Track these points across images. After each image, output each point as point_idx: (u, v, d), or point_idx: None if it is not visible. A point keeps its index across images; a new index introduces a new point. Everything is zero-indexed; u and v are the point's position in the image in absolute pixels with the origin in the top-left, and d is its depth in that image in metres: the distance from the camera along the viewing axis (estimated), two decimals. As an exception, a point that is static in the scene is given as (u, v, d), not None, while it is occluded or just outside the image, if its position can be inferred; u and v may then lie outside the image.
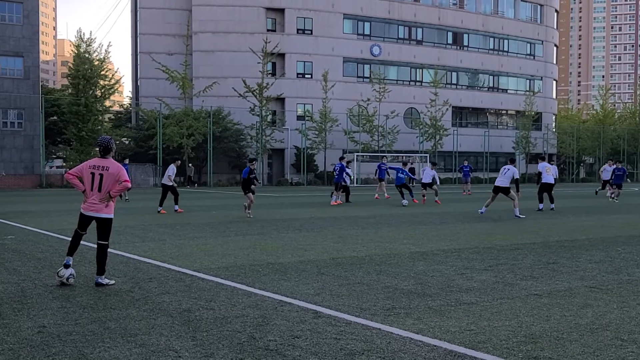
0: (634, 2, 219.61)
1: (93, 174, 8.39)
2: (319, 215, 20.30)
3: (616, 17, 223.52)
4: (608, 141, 72.02)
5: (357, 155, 52.02)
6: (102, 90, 47.48)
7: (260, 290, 8.12)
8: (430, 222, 18.10)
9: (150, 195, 32.98)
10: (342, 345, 5.66)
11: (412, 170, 27.72)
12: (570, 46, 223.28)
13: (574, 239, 13.93)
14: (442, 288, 8.30)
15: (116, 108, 66.70)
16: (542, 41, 71.95)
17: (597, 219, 19.49)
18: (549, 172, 22.93)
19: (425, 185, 27.26)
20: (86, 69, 46.14)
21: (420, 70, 64.13)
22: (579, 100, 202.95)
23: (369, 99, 55.87)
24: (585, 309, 7.10)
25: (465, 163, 37.77)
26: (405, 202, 24.89)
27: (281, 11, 58.26)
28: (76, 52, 47.22)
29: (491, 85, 69.24)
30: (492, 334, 6.06)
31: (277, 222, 17.72)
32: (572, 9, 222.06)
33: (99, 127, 47.21)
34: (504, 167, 20.76)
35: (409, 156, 54.41)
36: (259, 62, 50.58)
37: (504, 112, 71.39)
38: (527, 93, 67.32)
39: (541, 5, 72.06)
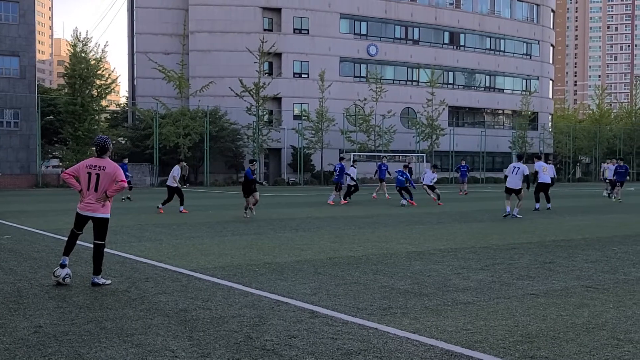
0: (630, 2, 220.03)
1: (90, 174, 8.38)
2: (316, 215, 20.30)
3: (612, 17, 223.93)
4: (604, 141, 72.15)
5: (353, 155, 51.97)
6: (99, 90, 47.39)
7: (256, 290, 8.11)
8: (427, 222, 18.12)
9: (146, 195, 32.95)
10: (339, 345, 5.66)
11: (409, 170, 27.61)
12: (567, 46, 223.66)
13: (570, 238, 13.96)
14: (438, 288, 8.30)
15: (113, 107, 66.67)
16: (539, 41, 72.04)
17: (593, 218, 19.53)
18: (545, 171, 22.94)
19: (427, 187, 26.39)
20: (82, 69, 46.05)
21: (417, 70, 64.15)
22: (575, 100, 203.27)
23: (365, 99, 55.88)
24: (581, 309, 7.12)
25: (463, 163, 37.77)
26: (404, 202, 24.86)
27: (278, 11, 58.23)
28: (72, 51, 47.13)
29: (488, 85, 69.32)
30: (488, 333, 6.07)
31: (274, 221, 17.72)
32: (568, 8, 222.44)
33: (96, 127, 47.12)
34: (514, 165, 19.95)
35: (406, 156, 54.41)
36: (256, 62, 50.55)
37: (500, 111, 71.47)
38: (524, 93, 67.40)
39: (537, 5, 72.16)
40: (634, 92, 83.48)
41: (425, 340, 5.83)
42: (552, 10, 75.83)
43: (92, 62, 46.92)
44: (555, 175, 28.37)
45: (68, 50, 49.14)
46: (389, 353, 5.44)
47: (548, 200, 22.81)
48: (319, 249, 12.05)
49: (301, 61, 58.52)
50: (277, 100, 56.74)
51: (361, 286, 8.39)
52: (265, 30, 57.32)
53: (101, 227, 8.44)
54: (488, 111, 70.02)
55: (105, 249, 8.76)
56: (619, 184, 29.10)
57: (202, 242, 12.94)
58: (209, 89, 50.04)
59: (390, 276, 9.12)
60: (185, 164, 25.16)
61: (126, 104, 64.41)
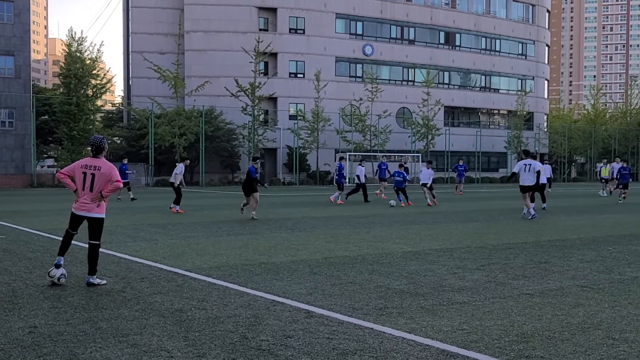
0: (625, 2, 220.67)
1: (85, 174, 8.36)
2: (312, 214, 20.30)
3: (607, 17, 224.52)
4: (599, 141, 72.32)
5: (349, 155, 52.02)
6: (94, 90, 47.28)
7: (252, 290, 8.10)
8: (422, 221, 18.13)
9: (142, 194, 32.90)
10: (335, 345, 5.65)
11: (405, 170, 27.58)
12: (562, 46, 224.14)
13: (566, 238, 13.98)
14: (434, 287, 8.31)
15: (108, 107, 66.38)
16: (534, 41, 72.17)
17: (588, 218, 19.56)
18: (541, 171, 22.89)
19: (425, 186, 25.76)
20: (77, 68, 45.95)
21: (413, 70, 64.22)
22: (570, 100, 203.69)
23: (361, 99, 55.89)
24: (576, 308, 7.13)
25: (460, 162, 37.71)
26: (393, 202, 24.56)
27: (273, 10, 58.22)
28: (67, 51, 47.02)
29: (483, 85, 69.42)
30: (484, 333, 6.08)
31: (270, 221, 17.71)
32: (563, 9, 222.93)
33: (91, 127, 47.01)
34: (525, 162, 19.01)
35: (401, 156, 54.45)
36: (251, 62, 50.51)
37: (495, 111, 71.59)
38: (519, 93, 67.50)
39: (533, 5, 72.29)
40: (629, 92, 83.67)
41: (421, 340, 5.83)
42: (548, 11, 76.00)
43: (87, 62, 46.84)
44: (552, 175, 28.33)
45: (63, 49, 49.02)
46: (384, 353, 5.44)
47: (543, 200, 22.84)
48: (315, 248, 12.04)
49: (297, 61, 58.51)
50: (273, 100, 56.73)
51: (357, 286, 8.38)
52: (260, 30, 57.30)
53: (96, 227, 8.42)
54: (483, 111, 70.13)
55: (101, 249, 8.73)
56: (621, 185, 28.80)
57: (197, 242, 12.92)
58: (204, 89, 49.99)
59: (386, 276, 9.12)
60: (188, 161, 25.11)
61: (121, 103, 64.27)
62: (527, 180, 18.84)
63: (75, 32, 47.70)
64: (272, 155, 57.05)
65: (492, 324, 6.42)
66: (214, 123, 51.58)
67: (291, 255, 11.10)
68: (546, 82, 75.52)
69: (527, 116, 67.54)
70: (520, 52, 71.43)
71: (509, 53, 70.41)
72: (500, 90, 70.29)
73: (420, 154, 57.00)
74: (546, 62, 75.60)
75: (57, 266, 8.30)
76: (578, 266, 10.10)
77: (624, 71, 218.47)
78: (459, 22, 66.76)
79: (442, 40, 66.50)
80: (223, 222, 17.33)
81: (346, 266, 9.98)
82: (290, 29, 58.46)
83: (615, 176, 30.84)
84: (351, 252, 11.53)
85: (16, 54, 45.64)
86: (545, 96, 75.34)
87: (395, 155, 53.83)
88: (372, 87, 56.04)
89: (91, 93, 47.20)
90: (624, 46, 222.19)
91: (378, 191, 30.03)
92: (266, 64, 56.89)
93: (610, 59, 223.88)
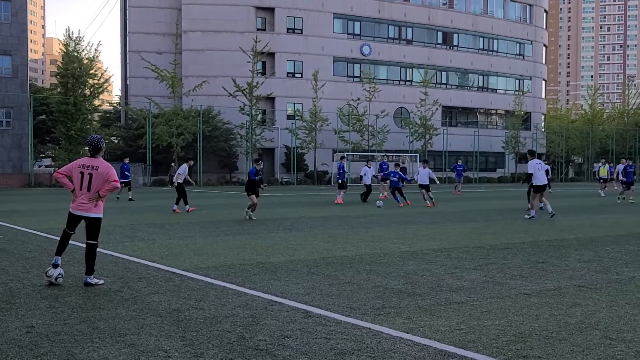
0: (623, 2, 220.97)
1: (82, 173, 8.35)
2: (309, 214, 20.30)
3: (605, 17, 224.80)
4: (597, 141, 72.40)
5: (347, 155, 52.02)
6: (91, 89, 47.24)
7: (250, 289, 8.10)
8: (420, 221, 18.14)
9: (140, 194, 32.87)
10: (332, 345, 5.65)
11: (403, 169, 27.54)
12: (560, 46, 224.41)
13: (563, 238, 13.99)
14: (432, 287, 8.31)
15: (105, 107, 66.37)
16: (532, 41, 72.24)
17: (585, 218, 19.58)
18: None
19: (422, 187, 25.46)
20: (75, 68, 45.91)
21: (410, 69, 64.24)
22: (568, 100, 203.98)
23: (359, 99, 55.90)
24: (574, 308, 7.13)
25: (459, 162, 37.70)
26: (380, 203, 23.87)
27: (271, 10, 58.21)
28: (65, 50, 46.98)
29: (481, 85, 69.47)
30: (481, 333, 6.08)
31: (267, 221, 17.70)
32: (561, 9, 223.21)
33: (88, 126, 46.98)
34: (536, 161, 18.93)
35: (399, 156, 54.48)
36: (249, 62, 50.50)
37: (493, 111, 71.65)
38: (517, 93, 67.56)
39: (530, 6, 72.36)
40: (626, 92, 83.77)
41: (419, 339, 5.83)
42: (545, 11, 76.08)
43: (85, 62, 46.79)
44: (550, 175, 28.17)
45: (60, 49, 48.97)
46: (382, 353, 5.44)
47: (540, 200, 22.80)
48: (313, 248, 12.04)
49: (294, 61, 58.50)
50: (271, 99, 56.73)
51: (354, 286, 8.38)
52: (258, 29, 57.28)
53: (94, 226, 8.41)
54: (481, 111, 70.18)
55: (98, 249, 8.72)
56: (624, 185, 28.62)
57: (195, 242, 12.91)
58: (202, 89, 49.97)
59: (384, 276, 9.13)
60: (173, 164, 25.06)
61: (119, 103, 64.22)
62: (542, 179, 18.93)
63: (72, 32, 47.84)
64: (269, 155, 57.01)
65: (489, 323, 6.43)
66: (212, 123, 51.56)
67: (289, 255, 11.09)
68: (544, 82, 75.59)
69: (525, 116, 67.58)
70: (517, 52, 71.49)
71: (506, 53, 70.47)
72: (497, 90, 70.36)
73: (418, 154, 57.01)
74: (544, 62, 75.68)
75: (55, 266, 8.29)
76: (575, 266, 10.10)
77: (622, 71, 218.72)
78: (456, 22, 66.79)
79: (439, 40, 66.53)
80: (221, 222, 17.32)
81: (344, 266, 9.98)
82: (287, 29, 58.45)
83: (620, 175, 30.56)
84: (349, 252, 11.53)
85: (13, 53, 45.55)
86: (543, 96, 75.41)
87: (392, 155, 53.84)
88: (370, 87, 56.04)
89: (89, 93, 47.16)
90: (621, 46, 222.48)
91: (382, 195, 29.74)
92: (264, 63, 56.87)
93: (608, 59, 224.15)
